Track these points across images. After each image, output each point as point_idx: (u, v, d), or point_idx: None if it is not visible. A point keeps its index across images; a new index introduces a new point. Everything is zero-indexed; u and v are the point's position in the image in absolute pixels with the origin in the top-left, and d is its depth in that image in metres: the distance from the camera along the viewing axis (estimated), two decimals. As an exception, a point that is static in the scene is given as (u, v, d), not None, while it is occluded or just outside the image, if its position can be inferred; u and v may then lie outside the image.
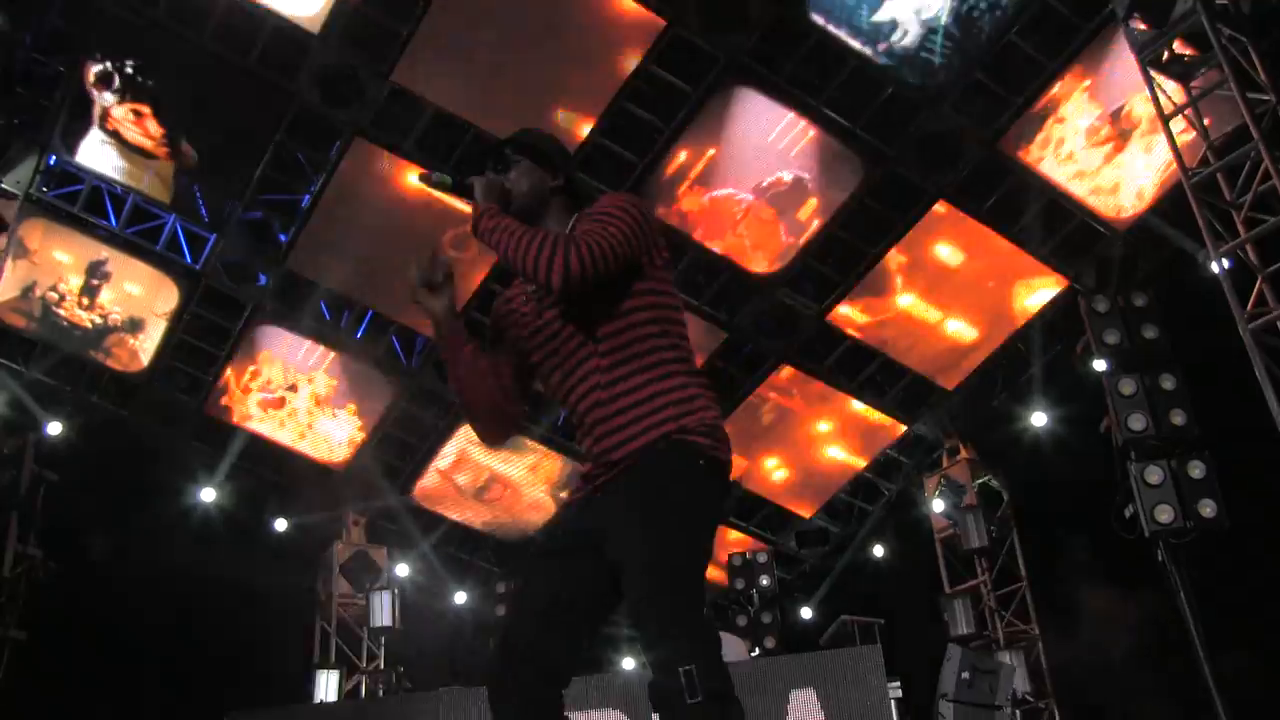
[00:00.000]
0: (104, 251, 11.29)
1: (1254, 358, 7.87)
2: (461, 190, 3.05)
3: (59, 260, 11.39)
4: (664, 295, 3.03)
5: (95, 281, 11.52)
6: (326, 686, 12.13)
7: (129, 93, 10.40)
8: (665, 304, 3.03)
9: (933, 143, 10.82)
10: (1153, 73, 8.78)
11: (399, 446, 13.60)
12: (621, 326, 2.95)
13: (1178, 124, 8.84)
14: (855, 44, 10.12)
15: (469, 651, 13.41)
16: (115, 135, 10.70)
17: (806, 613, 14.22)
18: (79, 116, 10.44)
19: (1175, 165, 8.82)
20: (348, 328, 12.28)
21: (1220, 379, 8.65)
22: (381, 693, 12.55)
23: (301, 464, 13.34)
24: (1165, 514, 7.73)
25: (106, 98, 10.39)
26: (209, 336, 12.22)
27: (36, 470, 9.58)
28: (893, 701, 7.34)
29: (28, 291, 11.45)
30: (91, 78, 10.19)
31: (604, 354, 2.94)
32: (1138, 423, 8.09)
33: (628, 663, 12.13)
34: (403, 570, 14.01)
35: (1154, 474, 7.86)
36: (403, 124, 10.46)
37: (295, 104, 10.25)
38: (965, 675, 8.18)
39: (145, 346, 12.08)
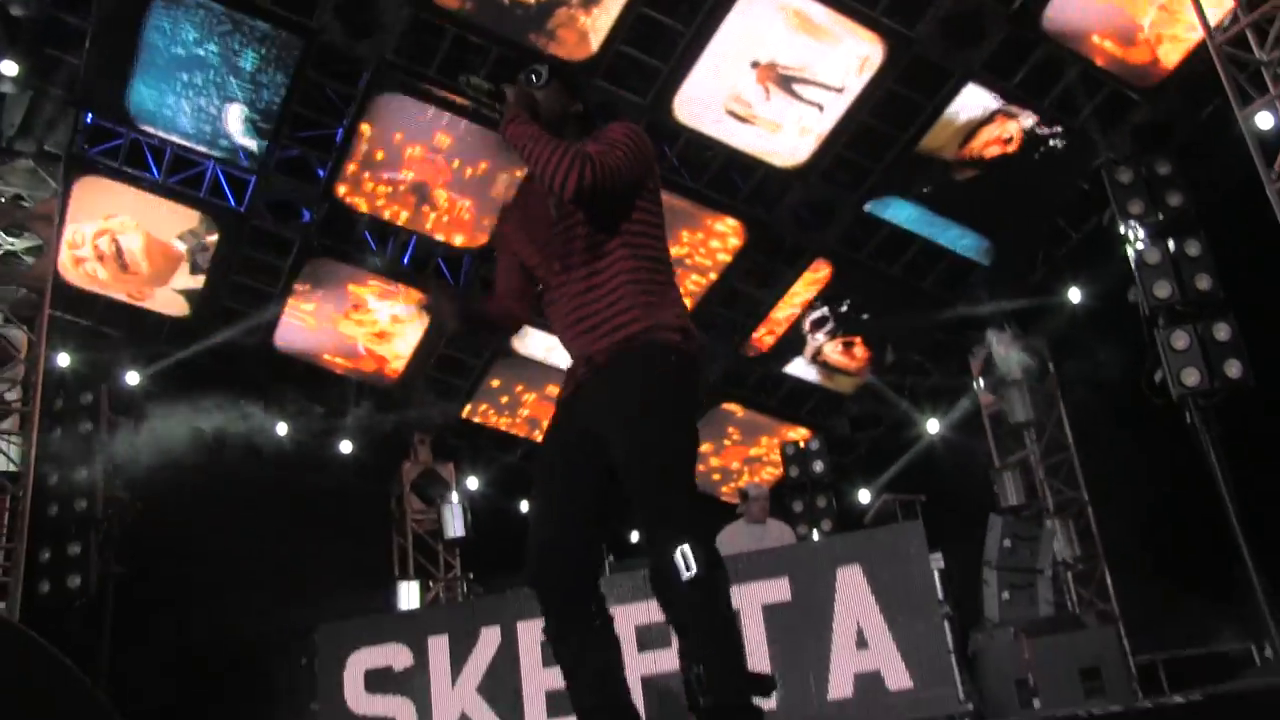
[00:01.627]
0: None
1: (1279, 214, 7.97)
2: (496, 96, 3.32)
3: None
4: (653, 214, 3.39)
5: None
6: (408, 596, 12.77)
7: None
8: (653, 221, 3.39)
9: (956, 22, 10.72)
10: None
11: (453, 365, 14.02)
12: (612, 235, 3.29)
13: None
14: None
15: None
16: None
17: (865, 496, 14.55)
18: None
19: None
20: (393, 255, 12.63)
21: (1248, 240, 8.72)
22: (458, 597, 13.18)
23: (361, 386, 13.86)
24: (1192, 377, 7.93)
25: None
26: (261, 275, 12.66)
27: (112, 417, 10.04)
28: (936, 572, 7.58)
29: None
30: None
31: (594, 257, 3.29)
32: (1163, 290, 8.25)
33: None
34: (472, 484, 14.58)
35: (1180, 339, 8.05)
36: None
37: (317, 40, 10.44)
38: (1007, 543, 8.51)
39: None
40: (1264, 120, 8.25)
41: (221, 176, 11.59)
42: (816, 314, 13.60)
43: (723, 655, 3.02)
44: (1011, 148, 12.04)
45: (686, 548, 2.95)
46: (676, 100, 11.06)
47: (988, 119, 11.55)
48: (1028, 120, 11.66)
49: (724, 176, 11.96)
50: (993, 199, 12.30)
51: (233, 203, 11.74)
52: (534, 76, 3.39)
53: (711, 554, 2.98)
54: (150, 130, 10.94)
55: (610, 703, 3.20)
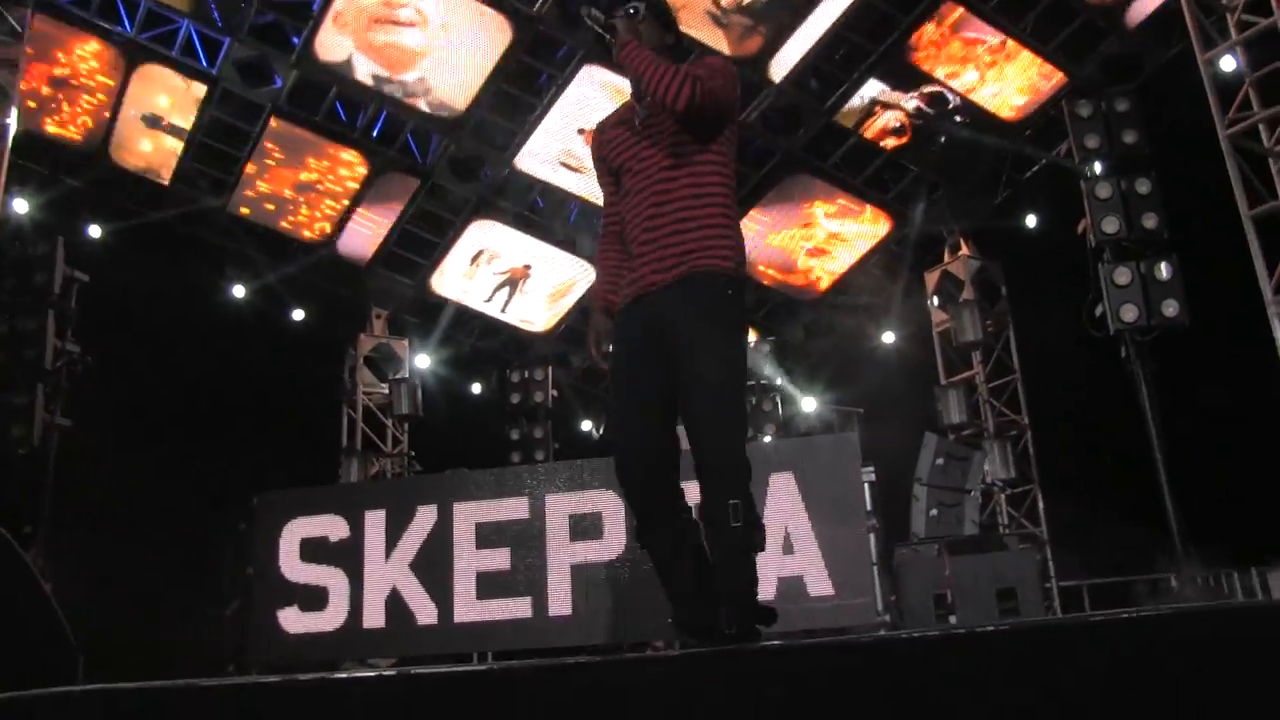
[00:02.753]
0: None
1: (1229, 161, 8.10)
2: (608, 28, 3.70)
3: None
4: (729, 145, 3.73)
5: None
6: (351, 471, 12.94)
7: None
8: (728, 151, 3.73)
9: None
10: None
11: (417, 242, 14.03)
12: (692, 164, 3.62)
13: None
14: None
15: (488, 436, 14.11)
16: None
17: (810, 403, 14.76)
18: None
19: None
20: (364, 128, 12.55)
21: (1202, 181, 8.84)
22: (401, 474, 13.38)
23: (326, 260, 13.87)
24: (1130, 313, 8.12)
25: None
26: (229, 139, 12.56)
27: (69, 271, 10.00)
28: (866, 485, 7.75)
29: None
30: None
31: (673, 181, 3.60)
32: (1111, 225, 8.40)
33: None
34: (423, 361, 14.68)
35: (1122, 275, 8.22)
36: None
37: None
38: (939, 461, 8.73)
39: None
40: (1226, 64, 8.35)
41: (195, 36, 11.43)
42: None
43: (744, 595, 3.36)
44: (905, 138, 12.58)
45: (739, 503, 3.33)
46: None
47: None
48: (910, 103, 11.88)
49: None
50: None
51: (204, 63, 11.59)
52: (634, 10, 3.73)
53: (753, 511, 3.37)
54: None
55: (705, 591, 3.44)
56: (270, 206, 13.39)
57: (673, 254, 3.54)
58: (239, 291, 13.68)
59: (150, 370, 11.49)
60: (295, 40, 11.46)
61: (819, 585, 7.41)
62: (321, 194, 13.29)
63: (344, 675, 2.96)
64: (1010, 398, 12.71)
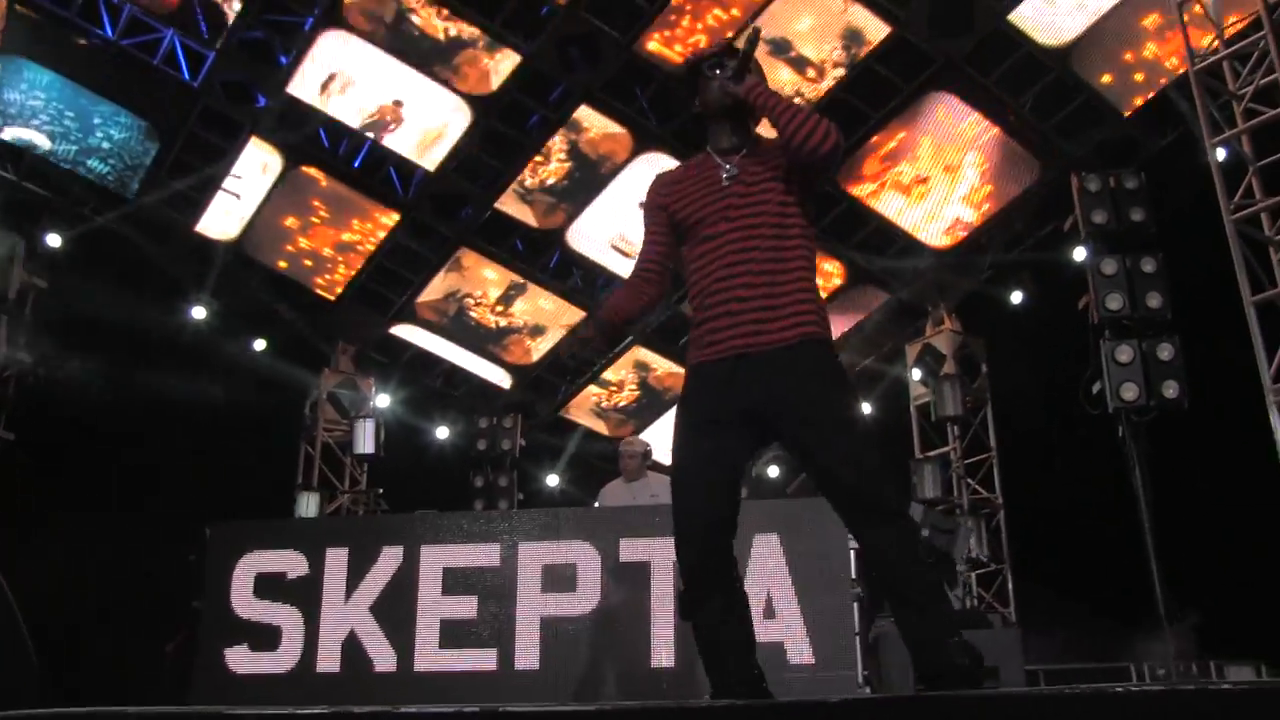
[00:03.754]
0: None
1: (1233, 247, 8.00)
2: (748, 56, 3.53)
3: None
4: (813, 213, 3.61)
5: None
6: (307, 506, 12.49)
7: None
8: (813, 219, 3.62)
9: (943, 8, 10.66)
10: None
11: (390, 278, 13.70)
12: (798, 223, 3.48)
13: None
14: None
15: (450, 482, 13.74)
16: None
17: (774, 471, 14.56)
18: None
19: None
20: (345, 156, 12.26)
21: (1203, 264, 8.76)
22: (361, 513, 12.94)
23: (294, 291, 13.49)
24: (1130, 392, 7.94)
25: None
26: (207, 155, 12.21)
27: (26, 277, 9.60)
28: (851, 551, 7.50)
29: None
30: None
31: (785, 241, 3.44)
32: (1115, 302, 8.24)
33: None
34: (383, 401, 14.28)
35: (1124, 353, 8.05)
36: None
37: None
38: (925, 532, 8.46)
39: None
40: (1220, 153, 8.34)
41: (179, 47, 11.12)
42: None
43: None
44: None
45: (924, 541, 3.23)
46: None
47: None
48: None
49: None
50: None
51: (186, 76, 11.27)
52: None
53: (935, 548, 3.31)
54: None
55: (746, 674, 3.36)
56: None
57: (786, 316, 3.38)
58: (199, 313, 13.24)
59: (102, 387, 11.04)
60: (283, 60, 11.19)
61: (800, 654, 7.08)
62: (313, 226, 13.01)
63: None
64: (985, 475, 12.54)
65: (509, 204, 12.69)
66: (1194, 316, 8.49)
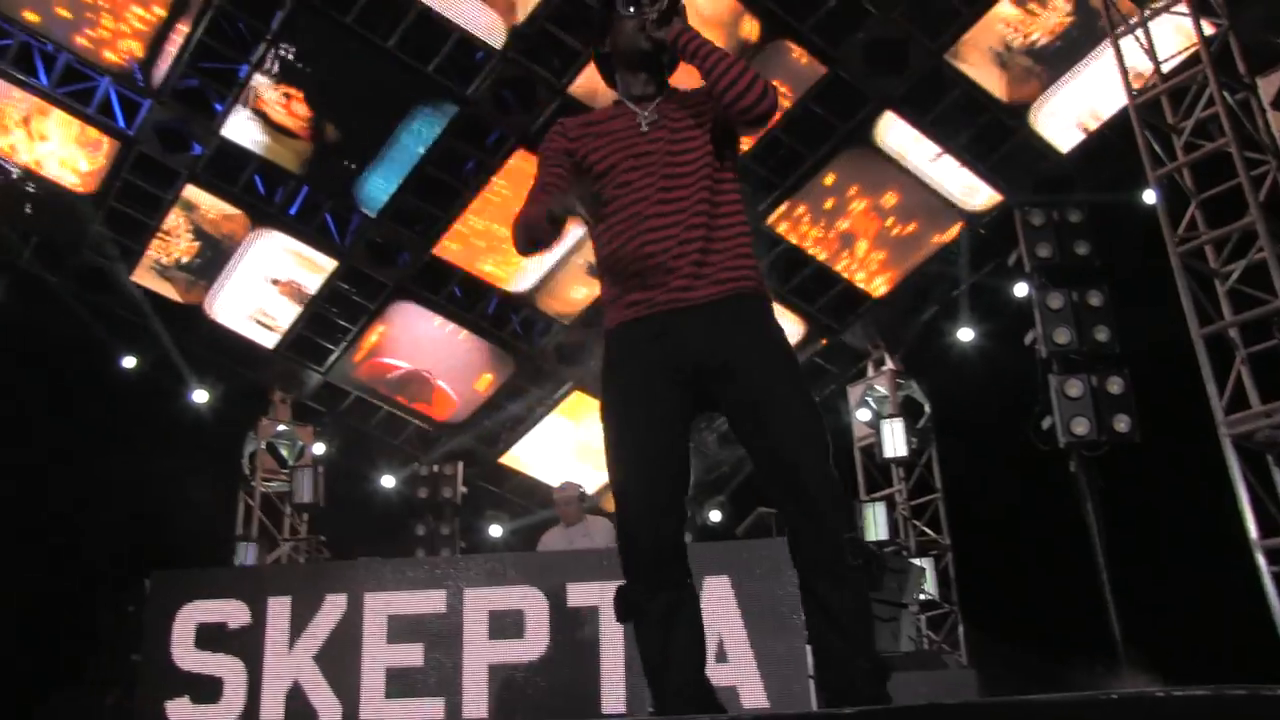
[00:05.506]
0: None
1: (1179, 280, 8.05)
2: (674, 7, 3.16)
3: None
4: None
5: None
6: (247, 557, 12.18)
7: (284, 77, 10.81)
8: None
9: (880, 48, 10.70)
10: (1107, -10, 8.81)
11: (326, 325, 13.47)
12: (730, 174, 3.21)
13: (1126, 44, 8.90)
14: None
15: (396, 530, 13.48)
16: (262, 115, 11.13)
17: (715, 515, 14.44)
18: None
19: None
20: (281, 203, 12.06)
21: (1147, 297, 8.81)
22: (302, 560, 12.62)
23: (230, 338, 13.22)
24: (1081, 426, 7.94)
25: (260, 79, 10.79)
26: (140, 204, 11.96)
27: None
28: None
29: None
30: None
31: (717, 195, 3.14)
32: (1062, 336, 8.27)
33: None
34: (319, 449, 13.94)
35: (1074, 387, 8.06)
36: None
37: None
38: (876, 574, 8.37)
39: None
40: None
41: (114, 95, 10.91)
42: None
43: (874, 647, 2.96)
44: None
45: (853, 538, 2.85)
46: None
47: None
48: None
49: None
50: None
51: (122, 123, 11.04)
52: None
53: (865, 548, 2.97)
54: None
55: (694, 682, 2.98)
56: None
57: (723, 269, 3.07)
58: (129, 362, 12.91)
59: (32, 434, 10.72)
60: (218, 107, 11.00)
61: (753, 697, 6.97)
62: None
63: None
64: (932, 516, 12.50)
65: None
66: (1144, 345, 8.53)
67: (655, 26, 3.13)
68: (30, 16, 10.38)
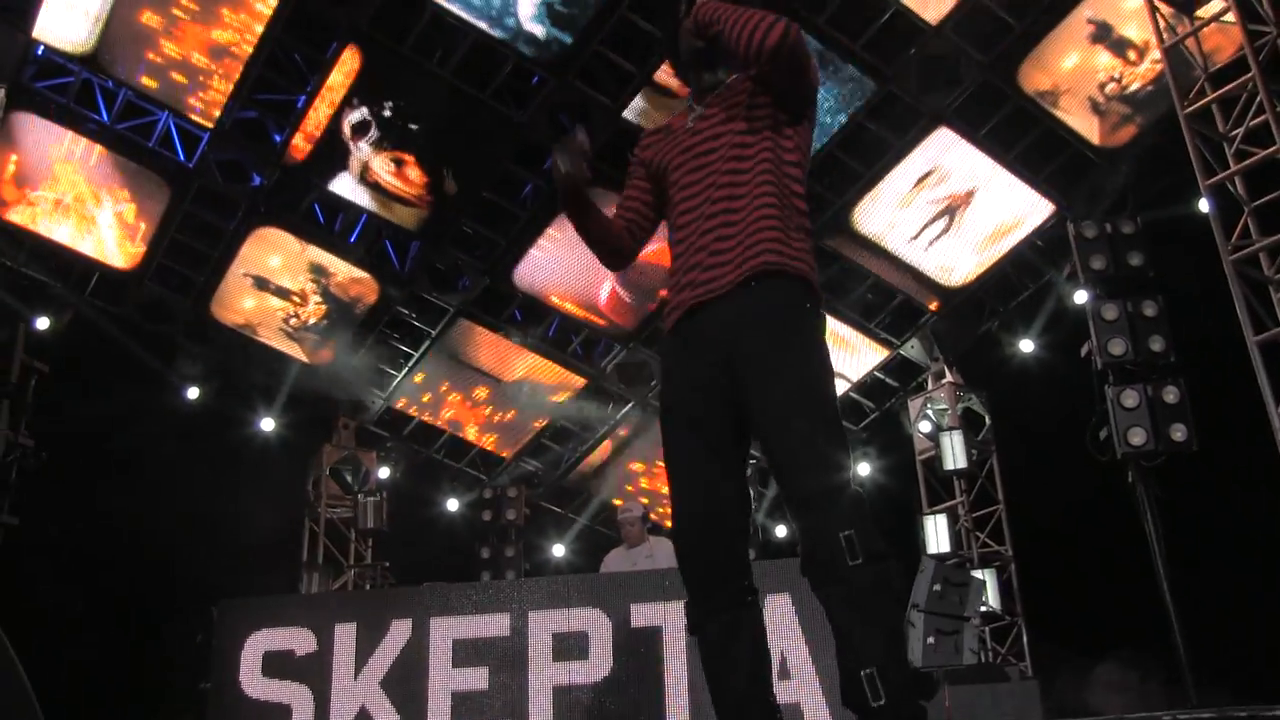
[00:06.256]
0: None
1: (1233, 288, 8.01)
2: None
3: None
4: (806, 152, 3.11)
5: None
6: (312, 585, 12.38)
7: (387, 140, 10.86)
8: (806, 158, 3.10)
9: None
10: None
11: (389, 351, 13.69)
12: (765, 150, 2.99)
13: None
14: None
15: (460, 553, 13.65)
16: (376, 186, 11.30)
17: (781, 531, 14.46)
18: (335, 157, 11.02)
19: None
20: (341, 232, 12.28)
21: (1202, 306, 8.77)
22: (368, 587, 12.81)
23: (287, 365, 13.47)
24: (1138, 436, 7.91)
25: (364, 148, 10.85)
26: (203, 237, 12.23)
27: (27, 360, 9.56)
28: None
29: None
30: (348, 128, 10.67)
31: (740, 171, 2.97)
32: (1118, 347, 8.24)
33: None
34: (383, 474, 14.16)
35: (1130, 398, 8.03)
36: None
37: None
38: (937, 587, 8.33)
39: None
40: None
41: (174, 129, 11.18)
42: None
43: (894, 654, 2.65)
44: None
45: (852, 534, 2.61)
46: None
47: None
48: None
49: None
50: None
51: (182, 157, 11.33)
52: None
53: (878, 542, 2.64)
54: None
55: (757, 699, 2.83)
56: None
57: (740, 249, 2.88)
58: (192, 393, 13.18)
59: (102, 468, 10.98)
60: (276, 137, 11.25)
61: (816, 715, 7.00)
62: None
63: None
64: (994, 527, 12.44)
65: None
66: (1200, 354, 8.49)
67: (688, 22, 3.08)
68: (148, 82, 10.67)
